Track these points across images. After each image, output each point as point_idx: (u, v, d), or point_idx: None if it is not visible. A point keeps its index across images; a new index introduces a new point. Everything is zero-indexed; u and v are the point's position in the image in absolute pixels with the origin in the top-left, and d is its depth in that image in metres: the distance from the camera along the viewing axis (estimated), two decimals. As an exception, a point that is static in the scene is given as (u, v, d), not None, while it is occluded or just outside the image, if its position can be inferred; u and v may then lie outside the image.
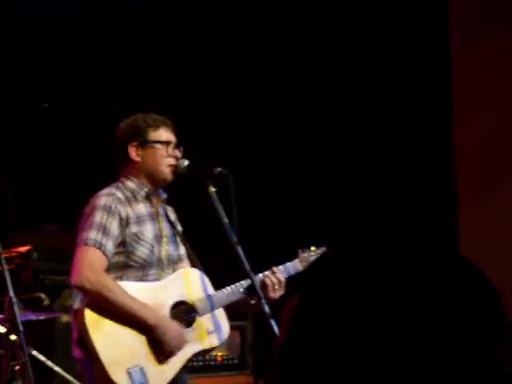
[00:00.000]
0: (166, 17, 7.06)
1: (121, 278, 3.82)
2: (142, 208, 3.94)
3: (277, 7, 7.03)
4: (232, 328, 6.44)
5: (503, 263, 6.06)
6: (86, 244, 3.76)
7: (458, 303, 1.39)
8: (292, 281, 4.14)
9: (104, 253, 3.77)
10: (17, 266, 6.31)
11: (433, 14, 6.88)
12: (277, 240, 6.11)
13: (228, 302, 3.99)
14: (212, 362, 6.37)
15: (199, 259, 4.10)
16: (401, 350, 1.43)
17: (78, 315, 3.73)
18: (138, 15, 6.97)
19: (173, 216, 4.12)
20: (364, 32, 7.05)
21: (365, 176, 6.96)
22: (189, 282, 3.96)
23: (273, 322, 3.65)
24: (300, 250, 4.27)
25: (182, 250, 4.10)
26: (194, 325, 3.90)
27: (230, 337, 6.53)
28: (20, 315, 3.55)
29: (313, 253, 4.28)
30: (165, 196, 4.06)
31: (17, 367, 5.11)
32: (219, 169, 3.94)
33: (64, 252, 6.17)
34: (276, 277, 4.03)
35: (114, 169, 4.06)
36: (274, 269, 4.07)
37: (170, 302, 3.87)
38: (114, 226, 3.81)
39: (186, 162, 4.00)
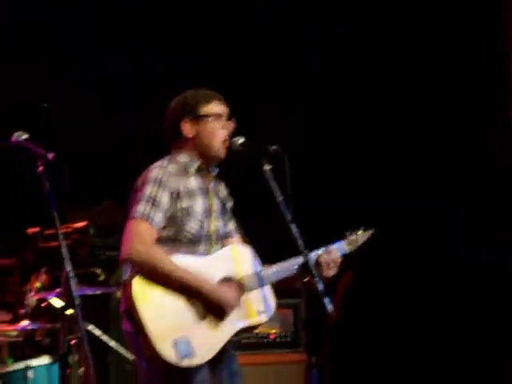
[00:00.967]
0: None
1: (170, 252, 3.83)
2: (193, 182, 3.94)
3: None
4: (285, 306, 6.48)
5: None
6: (135, 217, 3.78)
7: None
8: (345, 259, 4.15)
9: (152, 225, 3.77)
10: (73, 242, 6.39)
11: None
12: (325, 221, 6.11)
13: (277, 279, 3.98)
14: (265, 340, 6.39)
15: (252, 236, 4.10)
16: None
17: (126, 287, 3.74)
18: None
19: (224, 191, 4.12)
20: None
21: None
22: (237, 258, 3.96)
23: (326, 300, 3.64)
24: (347, 233, 4.25)
25: (231, 225, 4.10)
26: (241, 301, 3.90)
27: (284, 314, 6.59)
28: (76, 290, 3.58)
29: (360, 236, 4.26)
30: (216, 171, 4.06)
31: (73, 341, 5.20)
32: (274, 147, 3.92)
33: (120, 228, 6.23)
34: (331, 256, 4.02)
35: (166, 144, 4.06)
36: (330, 248, 4.06)
37: (218, 277, 3.88)
38: (165, 199, 3.82)
39: (241, 140, 3.99)
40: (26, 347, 6.02)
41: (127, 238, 3.76)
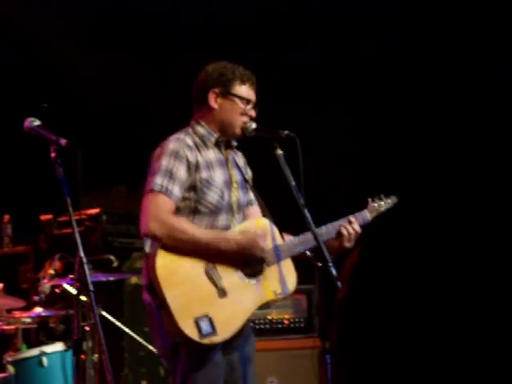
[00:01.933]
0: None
1: (190, 223, 3.83)
2: (212, 154, 3.94)
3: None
4: (299, 291, 6.47)
5: None
6: (152, 190, 3.77)
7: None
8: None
9: (170, 198, 3.76)
10: (86, 228, 6.41)
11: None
12: (347, 189, 6.10)
13: (294, 254, 3.97)
14: (279, 325, 6.40)
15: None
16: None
17: (149, 260, 3.74)
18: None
19: (242, 161, 4.12)
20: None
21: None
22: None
23: (339, 285, 3.64)
24: (370, 200, 4.23)
25: (251, 195, 4.10)
26: (262, 275, 3.90)
27: (297, 300, 6.59)
28: (90, 276, 3.58)
29: (383, 202, 4.24)
30: (235, 144, 4.05)
31: (87, 327, 5.21)
32: (286, 132, 3.91)
33: (132, 215, 6.25)
34: (352, 227, 4.01)
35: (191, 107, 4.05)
36: (351, 219, 4.05)
37: None
38: (181, 171, 3.81)
39: (254, 125, 3.98)
40: (40, 334, 6.05)
41: (146, 212, 3.75)
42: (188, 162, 3.83)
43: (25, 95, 6.90)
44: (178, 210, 3.81)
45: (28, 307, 5.58)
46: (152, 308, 3.77)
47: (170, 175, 3.78)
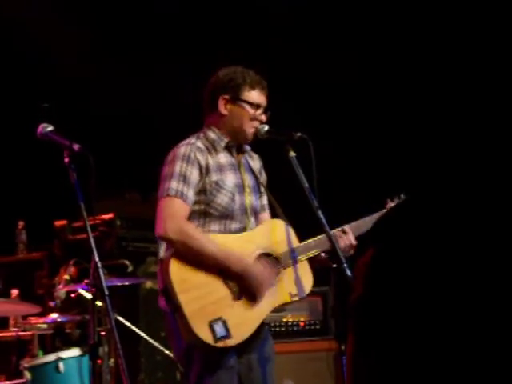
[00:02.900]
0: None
1: (202, 226, 3.84)
2: (223, 158, 3.94)
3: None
4: (314, 294, 6.45)
5: None
6: (168, 194, 3.78)
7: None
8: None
9: (185, 201, 3.78)
10: (101, 234, 6.41)
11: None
12: (366, 190, 6.08)
13: (312, 255, 3.95)
14: (295, 328, 6.38)
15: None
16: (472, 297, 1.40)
17: (164, 265, 3.75)
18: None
19: (257, 164, 4.12)
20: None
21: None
22: (275, 234, 3.95)
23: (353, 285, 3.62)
24: (389, 199, 4.22)
25: (265, 200, 4.09)
26: (278, 277, 3.90)
27: (312, 302, 6.58)
28: (105, 281, 3.58)
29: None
30: (248, 148, 4.05)
31: (102, 332, 5.22)
32: (299, 134, 3.90)
33: (146, 220, 6.25)
34: (347, 238, 4.00)
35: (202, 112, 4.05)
36: (346, 229, 4.03)
37: (256, 253, 3.87)
38: (194, 175, 3.82)
39: (266, 128, 3.98)
40: (56, 339, 6.06)
41: (161, 216, 3.76)
42: (199, 165, 3.84)
43: (37, 101, 6.91)
44: (189, 214, 3.82)
45: (44, 313, 5.59)
46: (167, 312, 3.78)
47: (184, 179, 3.79)
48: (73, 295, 5.50)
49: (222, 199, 3.86)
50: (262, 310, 3.82)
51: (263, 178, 4.12)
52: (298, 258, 3.92)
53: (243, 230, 3.91)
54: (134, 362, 6.27)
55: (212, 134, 3.95)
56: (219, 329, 3.68)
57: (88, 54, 7.10)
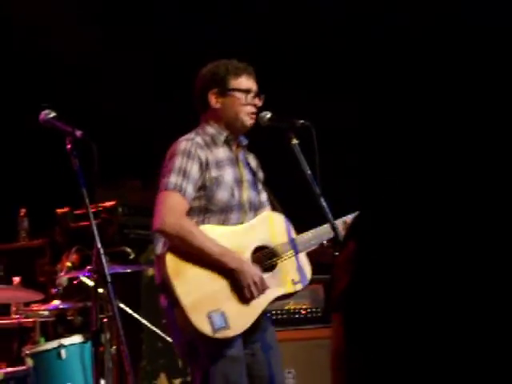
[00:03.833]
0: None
1: (202, 222, 3.84)
2: (222, 153, 3.95)
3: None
4: (316, 281, 6.44)
5: None
6: (167, 189, 3.78)
7: None
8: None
9: (184, 196, 3.78)
10: (102, 221, 6.41)
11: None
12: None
13: (311, 246, 3.97)
14: (296, 316, 6.39)
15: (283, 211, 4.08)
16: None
17: (160, 260, 3.76)
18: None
19: (254, 162, 4.12)
20: None
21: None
22: (272, 227, 3.95)
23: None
24: None
25: (264, 196, 4.09)
26: (276, 269, 3.90)
27: (314, 290, 6.58)
28: (108, 268, 3.58)
29: None
30: (246, 142, 4.05)
31: (105, 319, 5.22)
32: (302, 121, 3.90)
33: (148, 207, 6.25)
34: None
35: (197, 112, 4.04)
36: (347, 219, 4.03)
37: (252, 246, 3.88)
38: (194, 170, 3.82)
39: (269, 115, 3.98)
40: (59, 326, 6.06)
41: (159, 210, 3.76)
42: (200, 160, 3.85)
43: (39, 89, 6.91)
44: (189, 209, 3.82)
45: (46, 300, 5.60)
46: (167, 309, 3.79)
47: (184, 174, 3.79)
48: (75, 282, 5.51)
49: (223, 195, 3.86)
50: (261, 300, 3.83)
51: (261, 174, 4.11)
52: (299, 248, 3.93)
53: (241, 224, 3.91)
54: (136, 348, 6.28)
55: (211, 129, 3.96)
56: (218, 320, 3.68)
57: (93, 42, 7.08)
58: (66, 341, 5.10)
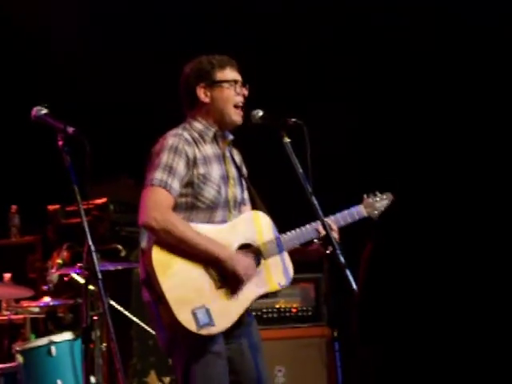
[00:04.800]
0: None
1: (188, 219, 3.83)
2: (209, 149, 3.94)
3: None
4: (307, 280, 6.48)
5: None
6: (152, 184, 3.77)
7: None
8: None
9: (170, 192, 3.77)
10: (94, 218, 6.40)
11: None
12: (342, 186, 6.08)
13: (296, 245, 3.97)
14: (287, 314, 6.40)
15: (272, 209, 4.08)
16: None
17: (145, 255, 3.75)
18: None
19: (238, 158, 4.12)
20: None
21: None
22: (258, 225, 3.96)
23: (348, 273, 3.63)
24: (365, 196, 4.25)
25: (246, 194, 4.10)
26: (260, 267, 3.90)
27: (305, 289, 6.59)
28: (99, 264, 3.57)
29: (378, 198, 4.26)
30: (231, 138, 4.05)
31: (95, 317, 5.23)
32: (294, 119, 3.90)
33: (139, 205, 6.24)
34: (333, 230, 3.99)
35: (183, 110, 4.05)
36: (327, 220, 4.00)
37: (236, 243, 3.88)
38: (181, 166, 3.82)
39: (261, 113, 3.98)
40: (49, 323, 6.06)
41: (144, 205, 3.76)
42: (187, 157, 3.84)
43: (30, 84, 6.90)
44: (175, 206, 3.82)
45: (36, 297, 5.60)
46: (151, 304, 3.79)
47: (170, 170, 3.79)
48: (66, 279, 5.50)
49: (209, 192, 3.86)
50: (246, 297, 3.83)
51: (244, 171, 4.12)
52: (284, 246, 3.94)
53: (225, 222, 3.91)
54: (126, 346, 6.28)
55: (199, 125, 3.95)
56: (202, 316, 3.68)
57: (87, 39, 7.08)
58: (57, 338, 5.10)
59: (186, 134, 3.90)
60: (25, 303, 5.61)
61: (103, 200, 6.54)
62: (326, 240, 3.80)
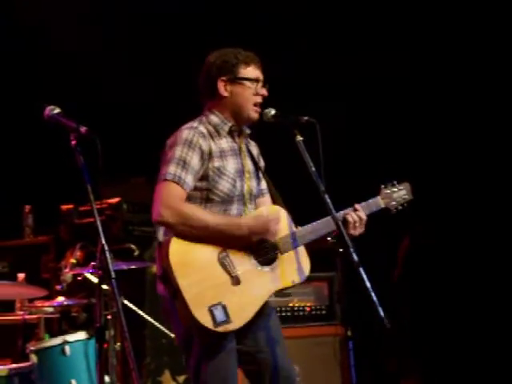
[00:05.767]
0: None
1: None
2: (225, 143, 3.93)
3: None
4: (320, 279, 6.47)
5: None
6: (166, 179, 3.76)
7: None
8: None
9: (182, 186, 3.76)
10: (107, 218, 6.41)
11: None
12: (360, 177, 6.07)
13: (311, 240, 3.96)
14: (301, 313, 6.39)
15: (286, 206, 4.07)
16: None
17: (163, 248, 3.74)
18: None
19: (255, 151, 4.11)
20: None
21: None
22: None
23: (361, 271, 3.62)
24: (382, 187, 4.22)
25: (264, 184, 4.09)
26: (276, 263, 3.90)
27: (319, 288, 6.58)
28: (112, 264, 3.57)
29: (395, 189, 4.23)
30: (248, 132, 4.04)
31: (109, 316, 5.23)
32: (306, 117, 3.89)
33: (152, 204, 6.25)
34: (357, 214, 3.98)
35: (200, 100, 4.04)
36: (356, 206, 4.02)
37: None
38: (195, 160, 3.81)
39: (273, 111, 3.97)
40: (63, 323, 6.07)
41: (158, 200, 3.75)
42: (201, 150, 3.83)
43: (43, 85, 6.92)
44: (190, 199, 3.81)
45: (50, 296, 5.60)
46: (166, 299, 3.78)
47: (184, 164, 3.78)
48: (79, 278, 5.51)
49: (224, 185, 3.85)
50: (261, 294, 3.83)
51: (262, 163, 4.11)
52: (299, 241, 3.93)
53: (241, 215, 3.91)
54: (140, 345, 6.29)
55: (215, 118, 3.94)
56: (219, 314, 3.68)
57: (99, 40, 7.10)
58: (71, 337, 5.10)
59: (201, 128, 3.89)
60: (39, 303, 5.62)
61: (116, 200, 6.55)
62: (339, 238, 3.79)
